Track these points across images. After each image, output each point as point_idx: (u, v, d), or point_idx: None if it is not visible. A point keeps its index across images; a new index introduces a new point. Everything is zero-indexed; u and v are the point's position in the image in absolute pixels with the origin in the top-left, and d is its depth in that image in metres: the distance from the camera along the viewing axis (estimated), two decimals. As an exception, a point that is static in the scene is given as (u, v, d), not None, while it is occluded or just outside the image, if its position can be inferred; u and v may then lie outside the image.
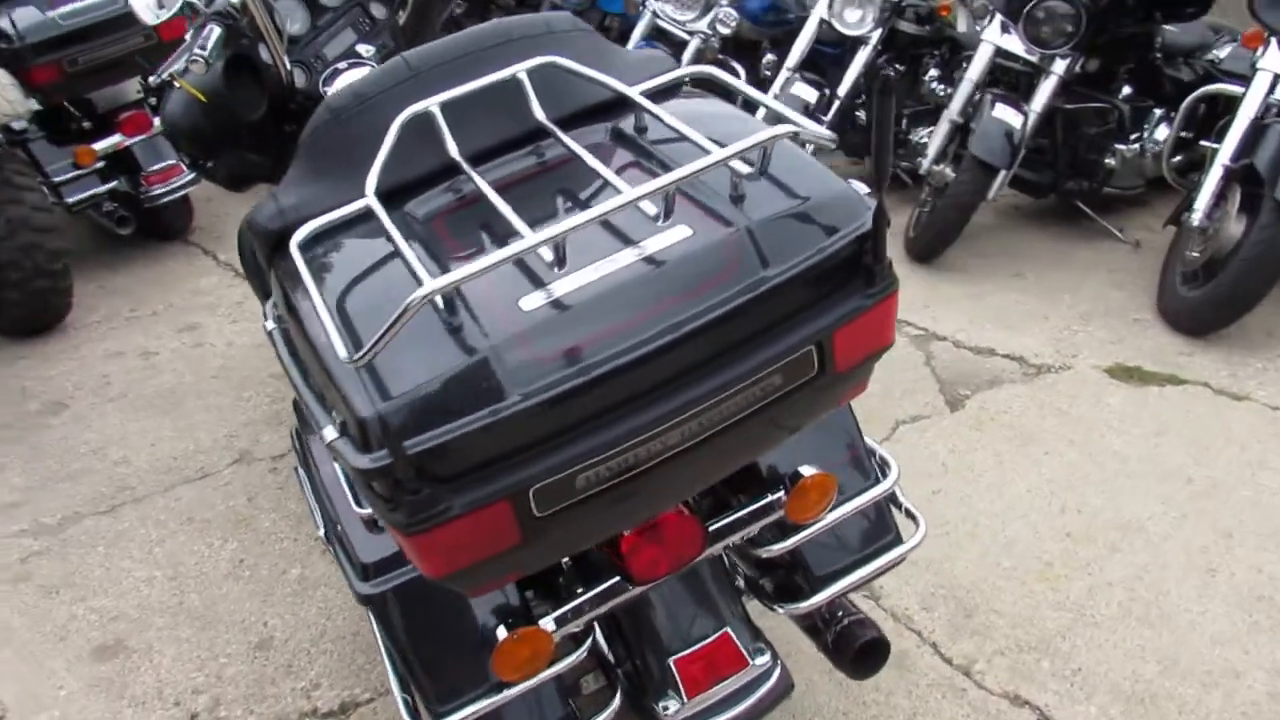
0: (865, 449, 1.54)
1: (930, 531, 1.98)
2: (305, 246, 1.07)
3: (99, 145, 3.66)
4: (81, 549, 2.41)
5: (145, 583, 2.29)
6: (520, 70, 1.19)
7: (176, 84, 1.83)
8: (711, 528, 1.37)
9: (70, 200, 3.58)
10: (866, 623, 1.52)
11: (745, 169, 1.08)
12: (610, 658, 1.46)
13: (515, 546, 1.01)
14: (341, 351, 0.90)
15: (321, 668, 2.02)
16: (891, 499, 1.58)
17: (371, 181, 1.08)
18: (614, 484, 1.02)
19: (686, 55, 4.19)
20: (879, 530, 1.54)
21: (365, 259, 1.10)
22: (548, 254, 0.98)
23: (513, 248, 0.91)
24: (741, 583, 1.55)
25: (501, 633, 1.26)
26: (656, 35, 4.32)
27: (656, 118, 1.13)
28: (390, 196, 1.12)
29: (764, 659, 1.43)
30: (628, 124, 1.23)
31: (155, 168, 3.79)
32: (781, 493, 1.39)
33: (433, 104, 1.15)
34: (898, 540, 1.54)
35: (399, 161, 1.12)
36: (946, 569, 2.15)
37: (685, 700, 1.37)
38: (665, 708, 1.38)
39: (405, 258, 0.96)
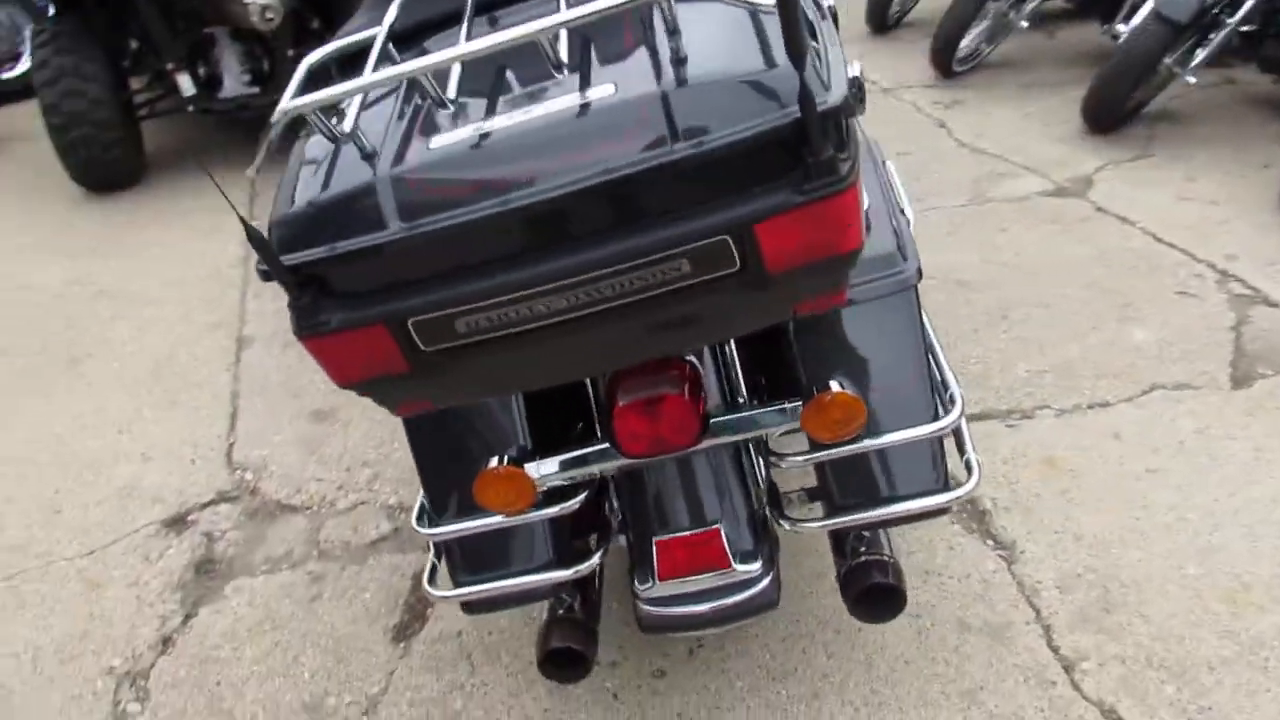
0: (931, 380, 1.38)
1: (1119, 511, 1.74)
2: (313, 73, 1.17)
3: None
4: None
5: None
6: None
7: None
8: (713, 421, 1.34)
9: None
10: (886, 567, 1.40)
11: (697, 35, 1.01)
12: (615, 524, 1.50)
13: (408, 374, 1.08)
14: (251, 169, 1.01)
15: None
16: (957, 439, 1.42)
17: (390, 15, 1.15)
18: (498, 336, 1.04)
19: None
20: (920, 471, 1.39)
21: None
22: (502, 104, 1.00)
23: (385, 72, 0.94)
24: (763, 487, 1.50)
25: (491, 464, 1.36)
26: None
27: None
28: (414, 35, 1.18)
29: (751, 567, 1.38)
30: None
31: None
32: (799, 403, 1.32)
33: None
34: (940, 488, 1.38)
35: (422, 3, 1.17)
36: (1112, 555, 1.86)
37: (656, 580, 1.39)
38: (640, 582, 1.41)
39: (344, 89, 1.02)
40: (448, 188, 0.98)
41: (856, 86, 0.99)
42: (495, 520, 1.39)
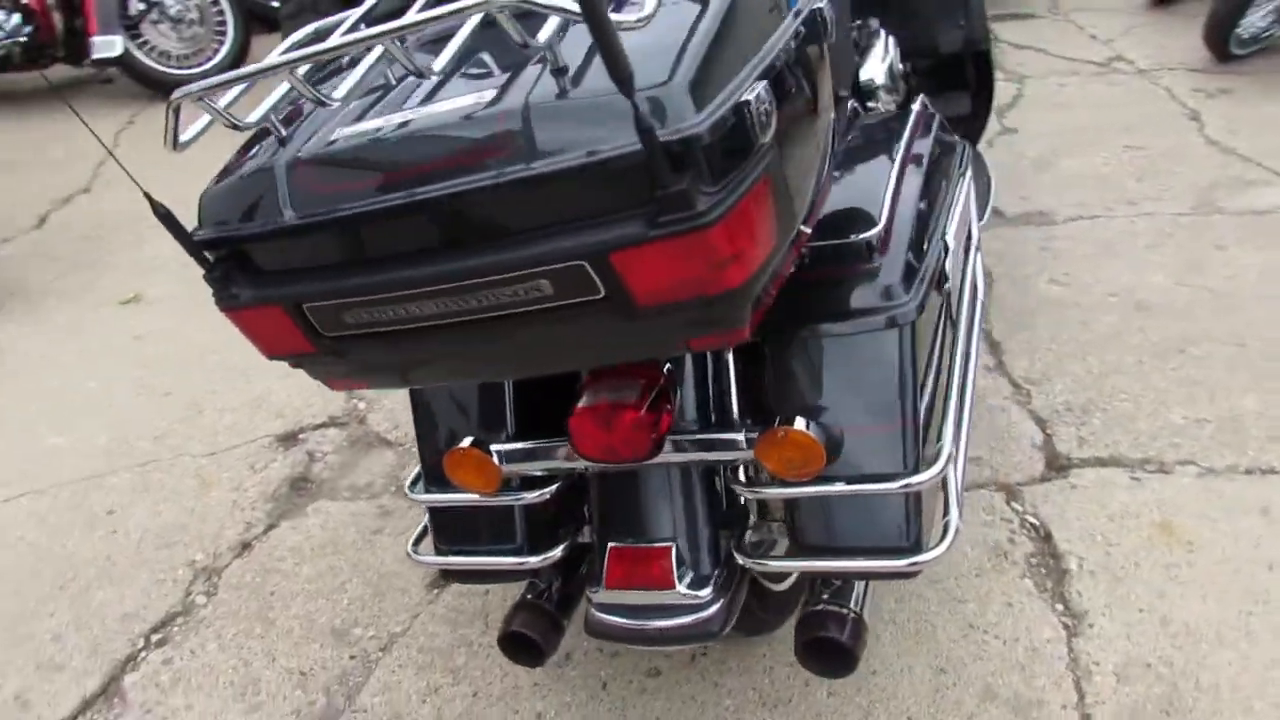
0: (917, 429, 1.22)
1: (1230, 602, 1.56)
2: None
3: None
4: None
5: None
6: None
7: None
8: (670, 438, 1.27)
9: None
10: (844, 622, 1.26)
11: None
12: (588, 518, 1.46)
13: (314, 355, 1.09)
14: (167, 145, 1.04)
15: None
16: (945, 498, 1.25)
17: None
18: (381, 333, 1.03)
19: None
20: (886, 528, 1.23)
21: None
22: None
23: (257, 66, 0.93)
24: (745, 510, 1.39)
25: (462, 444, 1.37)
26: None
27: None
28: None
29: (699, 593, 1.30)
30: None
31: None
32: (755, 432, 1.22)
33: None
34: (905, 549, 1.22)
35: None
36: (1200, 650, 1.58)
37: (603, 587, 1.34)
38: (591, 584, 1.37)
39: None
40: (327, 182, 0.97)
41: (752, 109, 0.87)
42: (473, 497, 1.39)
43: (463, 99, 0.95)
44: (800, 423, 1.19)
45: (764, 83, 0.90)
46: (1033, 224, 3.09)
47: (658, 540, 1.33)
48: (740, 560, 1.30)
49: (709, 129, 0.83)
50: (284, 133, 1.04)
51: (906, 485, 1.20)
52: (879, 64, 2.16)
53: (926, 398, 1.25)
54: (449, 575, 1.51)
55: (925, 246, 1.31)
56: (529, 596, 1.47)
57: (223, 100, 0.99)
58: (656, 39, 0.91)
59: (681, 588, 1.30)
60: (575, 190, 0.87)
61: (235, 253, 1.06)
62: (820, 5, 1.09)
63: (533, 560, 1.43)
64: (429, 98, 0.99)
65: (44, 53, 5.19)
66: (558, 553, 1.42)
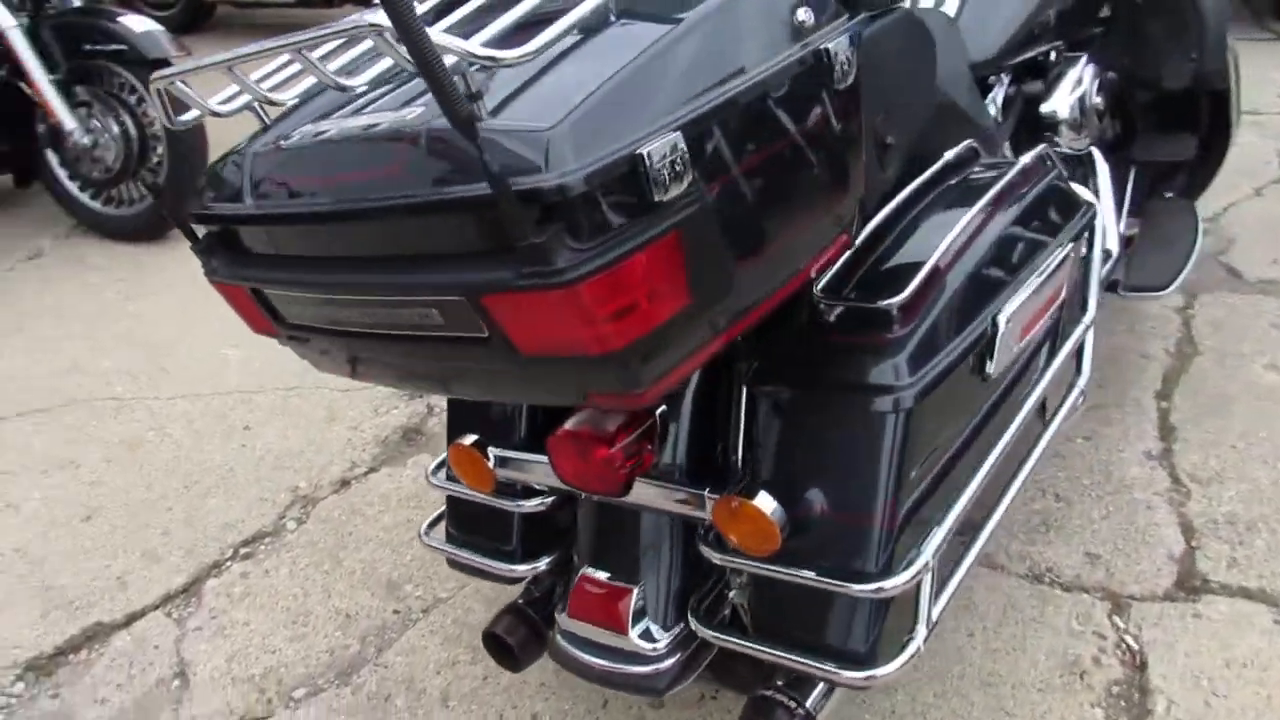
0: (887, 526, 1.06)
1: None
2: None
3: None
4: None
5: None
6: None
7: None
8: (642, 479, 1.19)
9: None
10: (791, 715, 1.14)
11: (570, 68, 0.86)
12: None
13: (284, 338, 1.11)
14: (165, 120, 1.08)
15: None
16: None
17: None
18: (307, 327, 1.02)
19: None
20: (847, 630, 1.09)
21: None
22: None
23: (222, 55, 0.94)
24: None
25: (464, 440, 1.37)
26: None
27: None
28: None
29: (652, 644, 1.23)
30: None
31: None
32: (717, 495, 1.12)
33: None
34: (860, 657, 1.08)
35: None
36: None
37: (566, 613, 1.30)
38: (559, 607, 1.33)
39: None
40: (274, 177, 0.97)
41: (648, 162, 0.77)
42: (479, 495, 1.39)
43: (386, 114, 0.91)
44: (762, 497, 1.08)
45: (676, 134, 0.79)
46: (1273, 294, 2.64)
47: (623, 580, 1.26)
48: (690, 624, 1.21)
49: (582, 179, 0.74)
50: (268, 120, 1.05)
51: (878, 589, 1.05)
52: (1065, 96, 1.90)
53: (918, 494, 1.09)
54: (452, 565, 1.52)
55: (963, 323, 1.13)
56: (520, 601, 1.45)
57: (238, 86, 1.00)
58: (571, 75, 0.84)
59: (634, 635, 1.23)
60: (454, 224, 0.82)
61: (222, 230, 1.09)
62: (831, 44, 0.95)
63: (520, 568, 1.41)
64: (364, 109, 0.97)
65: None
66: (542, 565, 1.39)
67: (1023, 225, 1.26)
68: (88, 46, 3.40)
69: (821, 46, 0.94)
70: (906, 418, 1.06)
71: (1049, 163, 1.42)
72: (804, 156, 0.94)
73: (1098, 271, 1.48)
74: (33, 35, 3.38)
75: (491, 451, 1.36)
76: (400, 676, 1.76)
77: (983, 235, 1.21)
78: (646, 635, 1.23)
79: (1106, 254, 2.08)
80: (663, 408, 1.20)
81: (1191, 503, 1.93)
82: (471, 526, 1.48)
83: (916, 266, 1.12)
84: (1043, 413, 1.43)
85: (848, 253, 1.17)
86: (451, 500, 1.50)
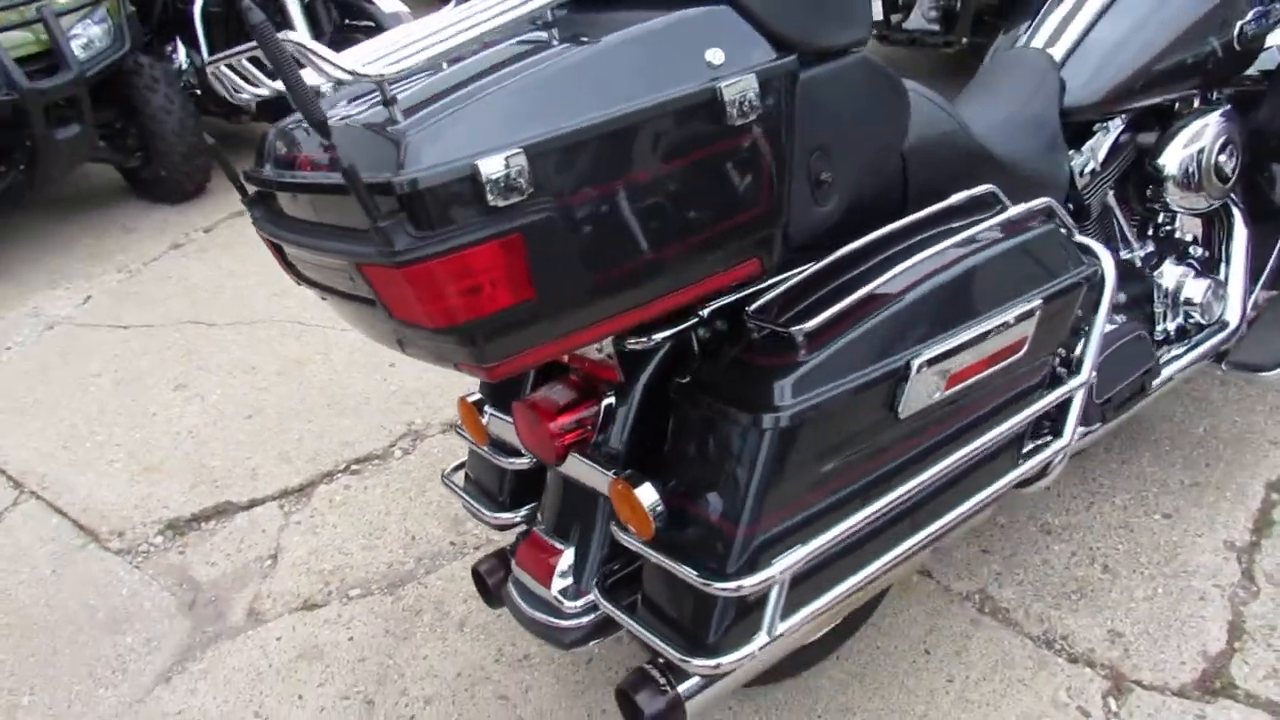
0: (746, 536, 1.13)
1: None
2: None
3: None
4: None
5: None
6: None
7: None
8: (575, 454, 1.33)
9: None
10: (655, 691, 1.24)
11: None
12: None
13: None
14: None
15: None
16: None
17: None
18: (307, 280, 1.22)
19: None
20: (696, 619, 1.18)
21: None
22: None
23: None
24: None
25: (470, 396, 1.58)
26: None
27: None
28: None
29: (569, 602, 1.36)
30: None
31: None
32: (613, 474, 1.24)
33: None
34: (699, 645, 1.16)
35: None
36: None
37: (515, 560, 1.46)
38: (513, 556, 1.49)
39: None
40: (279, 151, 1.15)
41: (483, 173, 0.90)
42: (483, 450, 1.58)
43: (349, 108, 1.09)
44: (645, 486, 1.19)
45: (520, 151, 0.91)
46: None
47: (559, 541, 1.41)
48: (593, 594, 1.33)
49: (421, 179, 0.89)
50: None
51: (721, 588, 1.14)
52: (1178, 150, 1.78)
53: (794, 510, 1.15)
54: (465, 506, 1.72)
55: (872, 360, 1.16)
56: (509, 547, 1.63)
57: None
58: (477, 87, 0.97)
59: (555, 590, 1.38)
60: (348, 204, 0.99)
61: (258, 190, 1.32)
62: (728, 84, 1.01)
63: (503, 516, 1.59)
64: (354, 100, 1.15)
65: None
66: (518, 517, 1.56)
67: (983, 275, 1.26)
68: (348, 21, 3.92)
69: (718, 85, 1.02)
70: (780, 436, 1.12)
71: (1046, 217, 1.38)
72: (681, 186, 1.01)
73: (1099, 332, 1.42)
74: (308, 10, 3.94)
75: (487, 410, 1.55)
76: (435, 597, 2.00)
77: (929, 280, 1.22)
78: (567, 593, 1.37)
79: (1223, 323, 1.94)
80: (610, 395, 1.33)
81: (1255, 603, 1.78)
82: (476, 476, 1.67)
83: (840, 299, 1.17)
84: (1013, 463, 1.41)
85: (797, 277, 1.24)
86: (471, 451, 1.69)
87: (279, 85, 0.95)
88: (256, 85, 1.09)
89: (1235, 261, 1.99)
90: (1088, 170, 1.78)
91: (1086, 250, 1.43)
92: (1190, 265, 1.92)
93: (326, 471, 2.43)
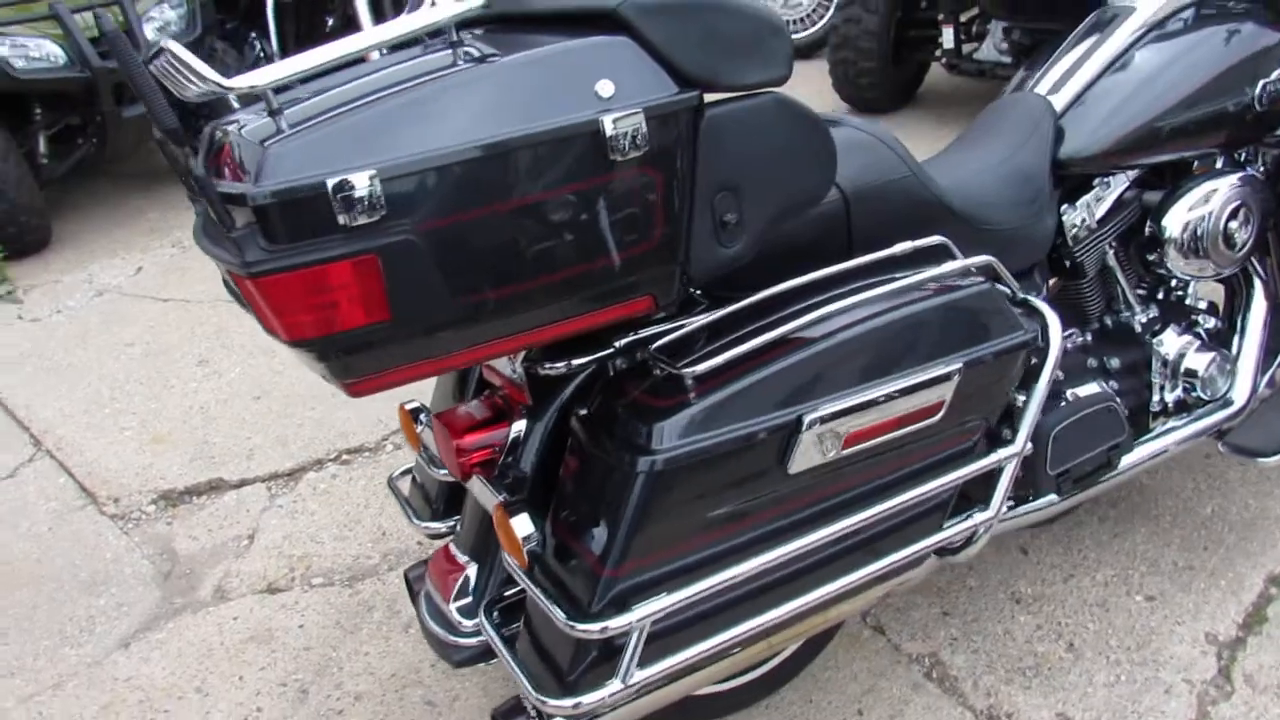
0: (610, 577, 1.11)
1: None
2: None
3: None
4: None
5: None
6: None
7: None
8: (478, 475, 1.33)
9: None
10: (520, 715, 1.23)
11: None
12: None
13: None
14: None
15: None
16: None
17: None
18: None
19: None
20: (555, 657, 1.16)
21: None
22: None
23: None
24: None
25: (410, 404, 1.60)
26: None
27: None
28: None
29: (466, 621, 1.37)
30: None
31: None
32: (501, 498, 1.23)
33: None
34: (554, 684, 1.14)
35: None
36: None
37: (427, 571, 1.46)
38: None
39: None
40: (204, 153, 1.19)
41: (331, 191, 0.90)
42: (420, 457, 1.59)
43: (248, 118, 1.10)
44: (522, 516, 1.17)
45: (372, 173, 0.91)
46: None
47: (465, 557, 1.40)
48: (479, 616, 1.32)
49: (269, 193, 0.89)
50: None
51: (573, 628, 1.11)
52: (1180, 213, 1.68)
53: (666, 557, 1.12)
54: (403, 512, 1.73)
55: (760, 412, 1.12)
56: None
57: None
58: (351, 102, 0.97)
59: (451, 606, 1.38)
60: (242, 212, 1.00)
61: None
62: (612, 119, 0.99)
63: (432, 525, 1.59)
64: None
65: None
66: (442, 527, 1.56)
67: (900, 333, 1.20)
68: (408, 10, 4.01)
69: (601, 119, 0.99)
70: (653, 480, 1.09)
71: (986, 275, 1.31)
72: (557, 218, 0.99)
73: (1039, 401, 1.34)
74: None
75: (421, 418, 1.55)
76: (390, 595, 2.02)
77: (841, 333, 1.18)
78: (464, 610, 1.37)
79: (1227, 400, 1.82)
80: (521, 421, 1.31)
81: (1225, 705, 1.66)
82: (420, 481, 1.68)
83: (738, 345, 1.14)
84: (933, 529, 1.34)
85: (706, 318, 1.20)
86: (416, 458, 1.70)
87: (216, 85, 0.94)
88: (200, 84, 1.11)
89: (1250, 335, 1.86)
90: (1082, 226, 1.69)
91: (1032, 313, 1.36)
92: (1196, 335, 1.80)
93: (318, 459, 2.48)
